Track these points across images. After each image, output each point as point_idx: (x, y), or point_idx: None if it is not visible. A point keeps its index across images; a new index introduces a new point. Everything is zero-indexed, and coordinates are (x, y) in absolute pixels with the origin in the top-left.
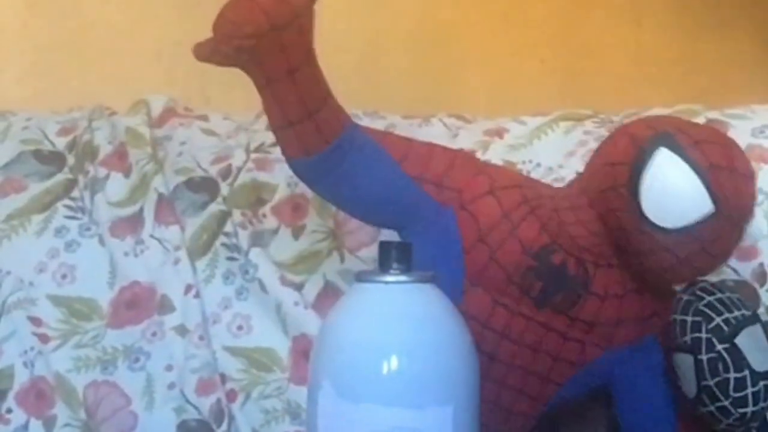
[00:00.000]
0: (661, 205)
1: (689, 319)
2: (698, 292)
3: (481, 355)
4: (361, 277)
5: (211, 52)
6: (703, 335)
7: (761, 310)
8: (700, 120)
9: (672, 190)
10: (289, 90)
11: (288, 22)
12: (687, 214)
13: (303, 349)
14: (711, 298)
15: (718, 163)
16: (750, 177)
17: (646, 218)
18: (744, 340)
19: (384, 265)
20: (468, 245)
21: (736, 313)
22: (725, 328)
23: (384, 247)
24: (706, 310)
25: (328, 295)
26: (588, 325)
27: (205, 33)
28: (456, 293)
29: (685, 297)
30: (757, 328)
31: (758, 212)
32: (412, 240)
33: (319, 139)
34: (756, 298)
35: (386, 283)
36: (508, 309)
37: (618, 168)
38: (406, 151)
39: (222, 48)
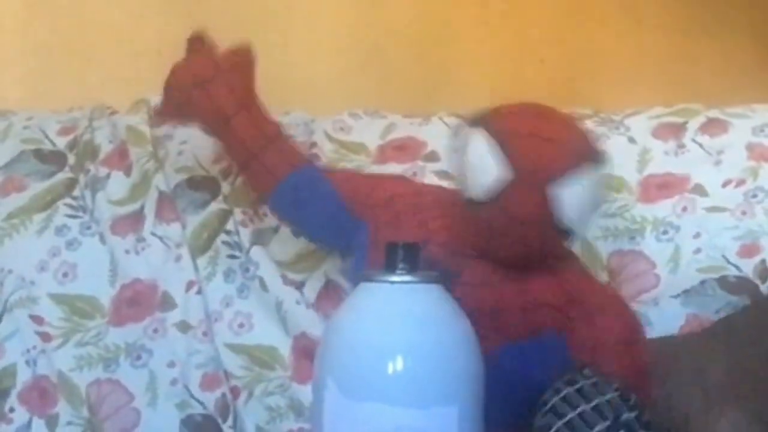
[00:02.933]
0: (473, 180)
1: None
2: (548, 417)
3: None
4: (367, 276)
5: (161, 114)
6: None
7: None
8: (701, 119)
9: (480, 164)
10: (230, 136)
11: (211, 78)
12: (490, 184)
13: (304, 347)
14: (560, 424)
15: (518, 130)
16: (555, 141)
17: (467, 195)
18: None
19: (390, 266)
20: (369, 250)
21: None
22: None
23: (390, 247)
24: None
25: (329, 294)
26: (469, 315)
27: (211, 38)
28: None
29: (537, 421)
30: None
31: (759, 210)
32: (353, 265)
33: (270, 177)
34: (757, 295)
35: (392, 283)
36: None
37: (450, 155)
38: (345, 180)
39: (167, 107)
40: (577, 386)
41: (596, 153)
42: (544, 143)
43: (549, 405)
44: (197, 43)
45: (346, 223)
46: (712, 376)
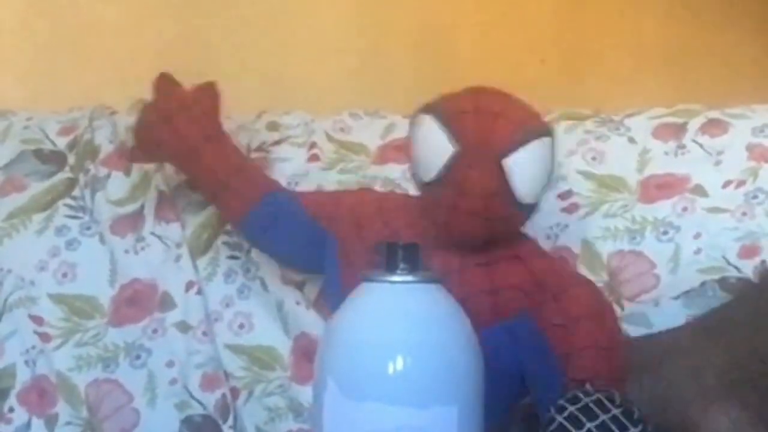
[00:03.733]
0: (422, 162)
1: None
2: None
3: None
4: (367, 276)
5: (136, 154)
6: None
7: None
8: (701, 120)
9: (427, 146)
10: (198, 167)
11: (174, 113)
12: (438, 162)
13: (304, 347)
14: None
15: (462, 108)
16: (499, 115)
17: (419, 179)
18: None
19: (390, 266)
20: (340, 259)
21: None
22: None
23: (390, 247)
24: None
25: None
26: None
27: (205, 33)
28: (337, 299)
29: None
30: None
31: (760, 211)
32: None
33: (241, 204)
34: (749, 287)
35: (392, 282)
36: None
37: (405, 145)
38: (313, 200)
39: (140, 148)
40: (581, 404)
41: (543, 127)
42: (488, 117)
43: (554, 425)
44: (163, 84)
45: (315, 238)
46: (709, 375)
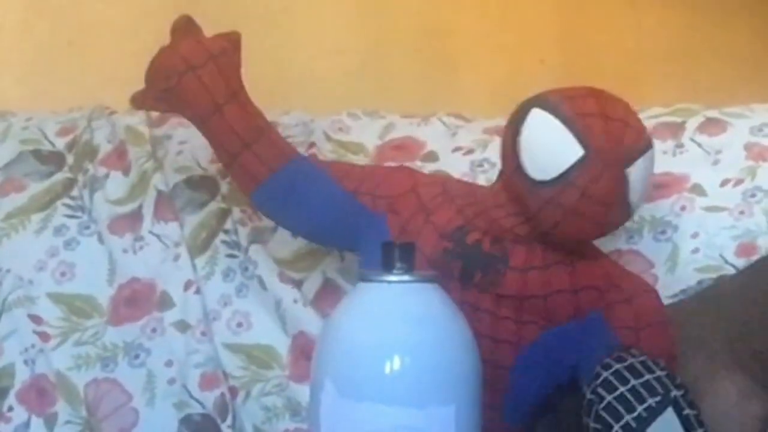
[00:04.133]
0: (536, 160)
1: (591, 425)
2: (599, 390)
3: None
4: (364, 276)
5: (143, 99)
6: None
7: None
8: (699, 119)
9: (544, 143)
10: (221, 124)
11: (203, 63)
12: (560, 163)
13: (302, 346)
14: (611, 397)
15: (588, 111)
16: (625, 122)
17: (527, 176)
18: None
19: (387, 265)
20: (396, 237)
21: (639, 409)
22: None
23: (387, 246)
24: (605, 415)
25: (328, 293)
26: (516, 300)
27: (204, 33)
28: None
29: (588, 395)
30: (667, 416)
31: (757, 209)
32: (361, 255)
33: (263, 168)
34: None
35: (389, 282)
36: None
37: (503, 139)
38: (346, 172)
39: (151, 93)
40: (627, 363)
41: (650, 136)
42: (615, 123)
43: (600, 379)
44: (184, 27)
45: (348, 213)
46: (713, 345)
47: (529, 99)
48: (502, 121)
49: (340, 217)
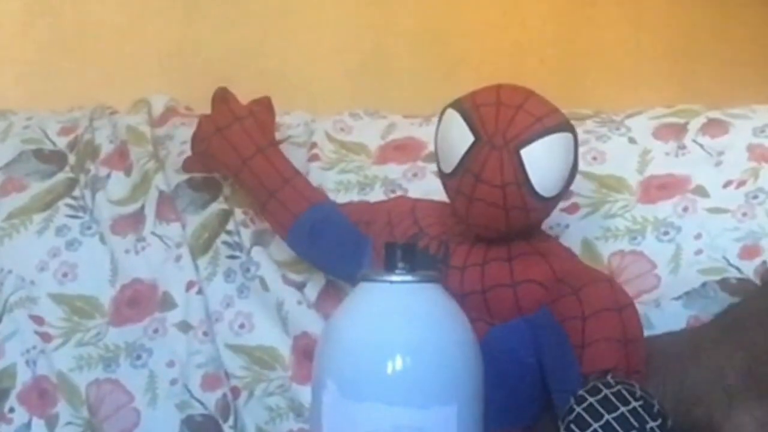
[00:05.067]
0: (443, 154)
1: None
2: (572, 427)
3: None
4: (366, 276)
5: (191, 164)
6: None
7: None
8: (701, 120)
9: (447, 138)
10: (250, 177)
11: (229, 124)
12: (456, 152)
13: (304, 348)
14: None
15: (484, 101)
16: (518, 107)
17: (442, 171)
18: None
19: (389, 265)
20: (374, 259)
21: None
22: None
23: (389, 247)
24: None
25: (330, 294)
26: (458, 297)
27: (205, 33)
28: None
29: (561, 430)
30: None
31: (760, 211)
32: None
33: (288, 215)
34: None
35: (391, 282)
36: None
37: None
38: (354, 208)
39: (196, 157)
40: (601, 396)
41: (563, 123)
42: (509, 109)
43: (573, 415)
44: (220, 97)
45: (357, 245)
46: (731, 375)
47: (450, 103)
48: None
49: (351, 251)
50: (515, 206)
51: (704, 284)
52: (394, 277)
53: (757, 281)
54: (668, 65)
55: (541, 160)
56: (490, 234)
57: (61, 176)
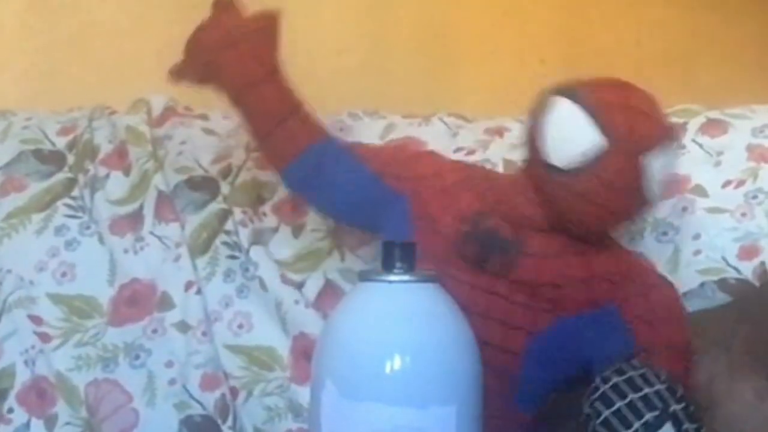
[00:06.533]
0: (558, 147)
1: None
2: (596, 405)
3: None
4: (364, 276)
5: (181, 72)
6: None
7: None
8: (701, 120)
9: (566, 132)
10: (256, 101)
11: (243, 39)
12: (580, 151)
13: (303, 347)
14: (608, 413)
15: (610, 101)
16: (648, 113)
17: (548, 163)
18: None
19: (387, 265)
20: (415, 222)
21: (637, 425)
22: None
23: (387, 246)
24: (602, 431)
25: (329, 294)
26: (529, 287)
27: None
28: None
29: (586, 409)
30: (665, 431)
31: (759, 211)
32: (382, 236)
33: (293, 146)
34: None
35: (390, 282)
36: (452, 277)
37: (527, 126)
38: (373, 154)
39: (190, 66)
40: (626, 376)
41: (674, 130)
42: (638, 114)
43: (598, 393)
44: (225, 2)
45: (378, 197)
46: (735, 348)
47: (553, 88)
48: (503, 121)
49: (365, 198)
50: (626, 212)
51: (702, 284)
52: (393, 277)
53: (756, 282)
54: (668, 65)
55: (658, 170)
56: (583, 231)
57: (60, 176)
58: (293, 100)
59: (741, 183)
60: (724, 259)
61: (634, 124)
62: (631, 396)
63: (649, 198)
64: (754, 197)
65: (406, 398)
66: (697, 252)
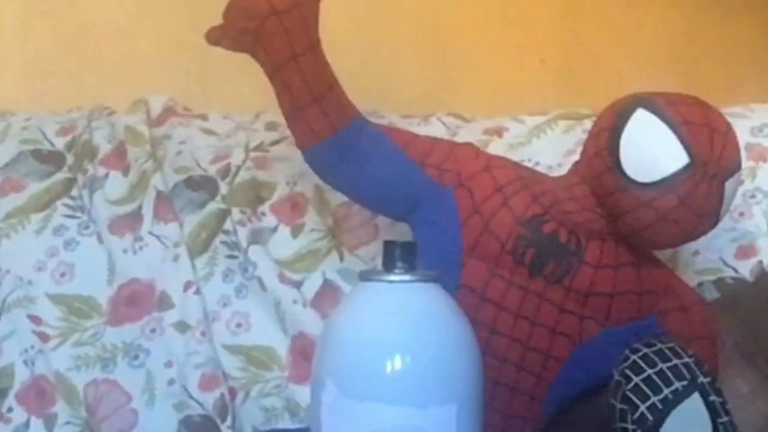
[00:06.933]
0: (638, 161)
1: (618, 406)
2: (627, 372)
3: (482, 329)
4: (365, 275)
5: (220, 36)
6: (629, 426)
7: None
8: None
9: (648, 146)
10: (295, 74)
11: (288, 8)
12: (663, 167)
13: (302, 347)
14: (638, 379)
15: (693, 119)
16: (726, 134)
17: (625, 175)
18: (672, 425)
19: (388, 264)
20: (464, 218)
21: (666, 391)
22: (650, 417)
23: (388, 246)
24: (632, 396)
25: (327, 294)
26: (582, 295)
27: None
28: (454, 266)
29: (616, 376)
30: (693, 401)
31: (757, 211)
32: (416, 227)
33: (327, 124)
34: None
35: (390, 282)
36: (503, 279)
37: (600, 135)
38: (410, 140)
39: (229, 31)
40: (656, 348)
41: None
42: (720, 135)
43: (629, 362)
44: None
45: (418, 186)
46: (727, 342)
47: (631, 98)
48: (502, 121)
49: (403, 185)
50: (698, 233)
51: (700, 284)
52: (393, 277)
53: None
54: (668, 65)
55: (732, 193)
56: (650, 247)
57: (59, 176)
58: (331, 77)
59: (739, 183)
60: (722, 259)
61: (717, 145)
62: (661, 365)
63: (719, 221)
64: (753, 197)
65: (407, 398)
66: (695, 253)
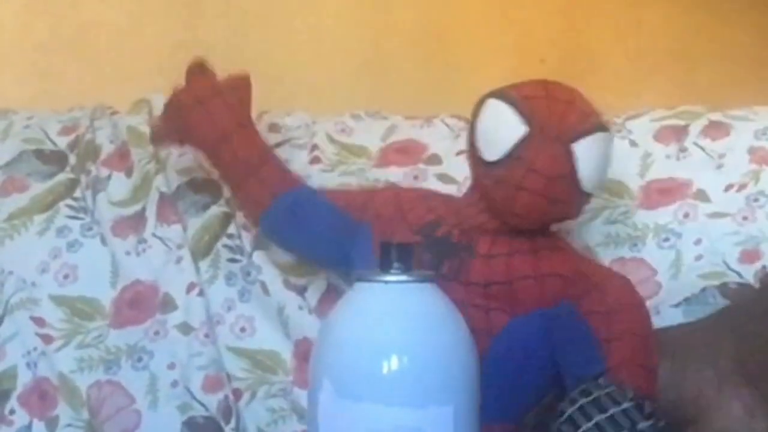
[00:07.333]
0: (489, 142)
1: None
2: (563, 428)
3: None
4: (361, 276)
5: (162, 136)
6: None
7: None
8: (703, 122)
9: (494, 126)
10: (228, 153)
11: (210, 97)
12: (507, 141)
13: (306, 352)
14: None
15: (533, 94)
16: (569, 103)
17: (483, 160)
18: None
19: (384, 265)
20: (377, 242)
21: None
22: None
23: (384, 247)
24: None
25: (331, 299)
26: (482, 287)
27: (205, 33)
28: None
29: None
30: None
31: (761, 214)
32: (354, 268)
33: (266, 193)
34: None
35: (386, 282)
36: None
37: (467, 135)
38: (340, 194)
39: (167, 129)
40: (593, 397)
41: (604, 122)
42: (560, 104)
43: (565, 416)
44: (197, 69)
45: (345, 230)
46: (723, 361)
47: (487, 93)
48: None
49: (334, 233)
50: (560, 199)
51: (704, 290)
52: (390, 277)
53: (757, 286)
54: (669, 66)
55: (590, 156)
56: (525, 225)
57: (61, 177)
58: (264, 149)
59: (743, 186)
60: (725, 263)
61: (555, 112)
62: (597, 418)
63: (585, 187)
64: (756, 200)
65: (404, 398)
66: (699, 257)
